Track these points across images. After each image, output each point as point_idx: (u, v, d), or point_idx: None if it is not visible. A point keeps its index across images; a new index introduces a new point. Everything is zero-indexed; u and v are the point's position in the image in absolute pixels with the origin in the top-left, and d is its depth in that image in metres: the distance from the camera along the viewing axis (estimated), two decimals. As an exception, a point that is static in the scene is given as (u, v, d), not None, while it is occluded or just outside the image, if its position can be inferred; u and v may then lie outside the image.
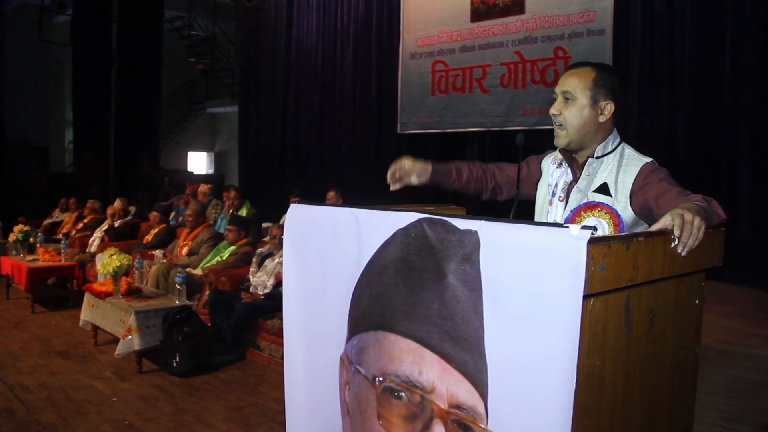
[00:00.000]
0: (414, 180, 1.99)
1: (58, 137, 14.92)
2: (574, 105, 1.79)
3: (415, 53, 9.77)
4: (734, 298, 6.12)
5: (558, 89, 1.82)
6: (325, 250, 1.69)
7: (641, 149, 1.83)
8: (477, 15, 9.03)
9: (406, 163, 1.98)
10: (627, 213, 1.73)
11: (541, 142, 1.90)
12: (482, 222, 1.27)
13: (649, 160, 1.78)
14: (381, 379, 1.49)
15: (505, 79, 8.66)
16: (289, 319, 1.82)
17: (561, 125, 1.81)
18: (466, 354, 1.30)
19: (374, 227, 1.52)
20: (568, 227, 1.14)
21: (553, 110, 1.82)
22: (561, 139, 1.82)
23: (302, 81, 11.65)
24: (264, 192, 11.74)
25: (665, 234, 1.33)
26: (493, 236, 1.25)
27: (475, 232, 1.27)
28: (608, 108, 1.79)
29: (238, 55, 13.42)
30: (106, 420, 3.63)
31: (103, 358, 4.72)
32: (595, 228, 1.12)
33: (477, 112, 8.96)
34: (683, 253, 1.35)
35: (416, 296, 1.40)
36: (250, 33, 12.71)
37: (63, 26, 12.96)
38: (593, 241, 1.12)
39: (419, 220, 1.40)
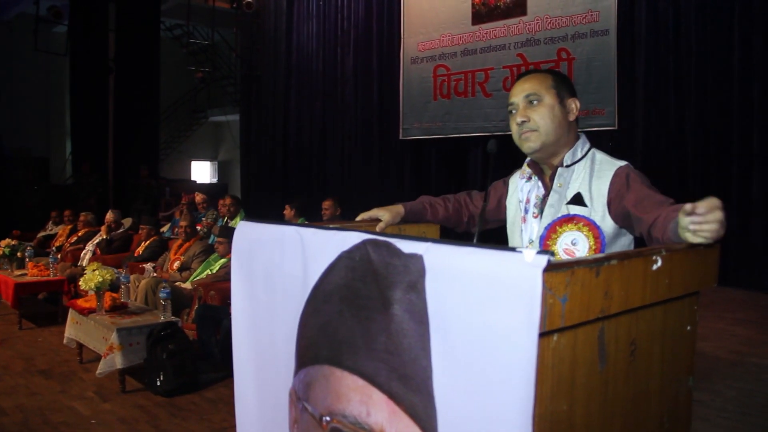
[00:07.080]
0: (385, 224, 1.88)
1: (59, 148, 14.86)
2: (543, 105, 1.66)
3: (416, 57, 9.63)
4: (747, 304, 5.89)
5: (516, 97, 1.68)
6: (272, 273, 1.53)
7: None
8: (478, 17, 8.87)
9: (375, 214, 1.87)
10: (606, 223, 1.60)
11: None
12: (428, 244, 1.10)
13: (623, 163, 1.65)
14: (328, 419, 1.33)
15: (508, 83, 8.49)
16: (238, 350, 1.67)
17: (533, 129, 1.66)
18: (415, 396, 1.13)
19: (318, 249, 1.35)
20: (521, 252, 0.95)
21: (520, 117, 1.66)
22: (532, 141, 1.66)
23: (303, 88, 11.54)
24: (266, 201, 11.61)
25: (643, 256, 1.15)
26: (440, 261, 1.08)
27: (420, 257, 1.10)
28: (575, 105, 1.70)
29: (238, 62, 13.33)
30: (82, 444, 3.47)
31: (86, 377, 4.56)
32: (552, 253, 0.94)
33: (480, 117, 8.80)
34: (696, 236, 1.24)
35: (362, 327, 1.23)
36: (250, 40, 12.63)
37: (61, 36, 12.92)
38: (552, 268, 0.94)
39: (363, 242, 1.23)
